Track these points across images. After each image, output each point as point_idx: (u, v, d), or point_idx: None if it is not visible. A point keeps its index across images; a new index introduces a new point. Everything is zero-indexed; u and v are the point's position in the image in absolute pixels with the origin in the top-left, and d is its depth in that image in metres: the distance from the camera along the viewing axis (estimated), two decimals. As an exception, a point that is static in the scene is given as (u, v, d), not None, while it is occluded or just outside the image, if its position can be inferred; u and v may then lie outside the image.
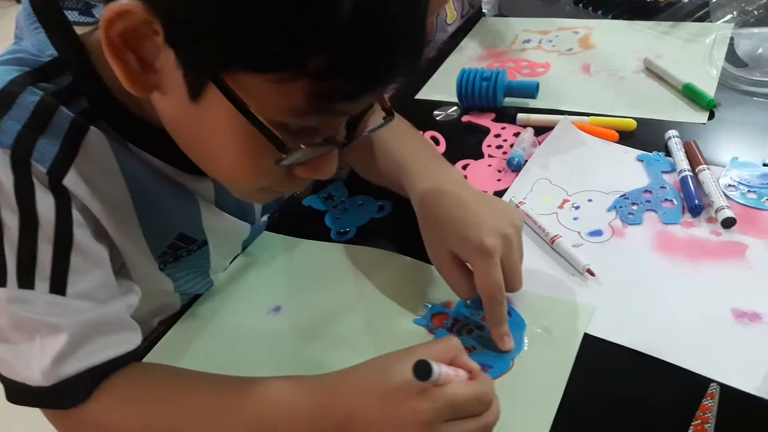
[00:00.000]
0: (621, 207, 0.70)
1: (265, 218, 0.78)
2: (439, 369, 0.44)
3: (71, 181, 0.50)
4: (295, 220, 0.79)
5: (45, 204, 0.49)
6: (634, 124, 0.82)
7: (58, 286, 0.49)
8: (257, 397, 0.51)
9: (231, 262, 0.73)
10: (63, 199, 0.50)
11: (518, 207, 0.71)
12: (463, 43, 1.13)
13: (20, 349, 0.49)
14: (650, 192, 0.71)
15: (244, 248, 0.74)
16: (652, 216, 0.68)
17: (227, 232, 0.69)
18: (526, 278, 0.60)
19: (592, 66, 0.97)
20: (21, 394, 0.50)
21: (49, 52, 0.51)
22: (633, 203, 0.70)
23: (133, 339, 0.55)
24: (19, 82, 0.49)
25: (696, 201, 0.67)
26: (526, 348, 0.57)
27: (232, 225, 0.68)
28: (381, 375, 0.49)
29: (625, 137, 0.81)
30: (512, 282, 0.58)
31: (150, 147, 0.55)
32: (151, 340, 0.66)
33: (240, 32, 0.40)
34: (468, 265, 0.59)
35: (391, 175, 0.71)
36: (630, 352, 0.55)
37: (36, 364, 0.49)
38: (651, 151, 0.77)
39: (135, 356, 0.55)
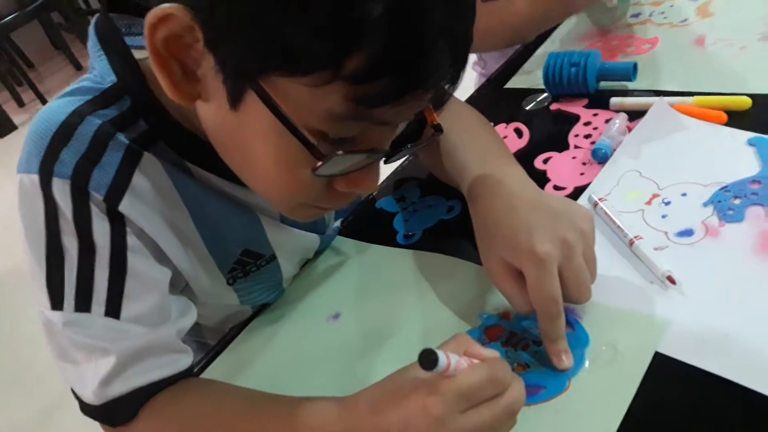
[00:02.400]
0: (720, 201, 0.60)
1: (338, 223, 0.77)
2: (449, 358, 0.42)
3: (126, 206, 0.52)
4: (368, 223, 0.77)
5: (101, 230, 0.51)
6: (748, 102, 0.70)
7: (113, 310, 0.52)
8: (295, 423, 0.50)
9: (302, 267, 0.73)
10: (118, 225, 0.52)
11: (597, 205, 0.64)
12: (563, 23, 1.04)
13: (80, 369, 0.53)
14: (759, 182, 0.60)
15: (317, 255, 0.74)
16: (758, 212, 0.58)
17: (296, 245, 0.69)
18: (597, 287, 0.53)
19: (707, 37, 0.85)
20: (84, 408, 0.54)
21: (110, 78, 0.54)
22: (735, 196, 0.60)
23: (181, 361, 0.56)
24: (80, 112, 0.52)
25: (816, 193, 0.56)
26: (586, 366, 0.51)
27: (300, 238, 0.68)
28: (390, 384, 0.47)
29: (736, 119, 0.69)
30: (575, 293, 0.52)
31: (208, 164, 0.56)
32: (221, 347, 0.68)
33: (274, 33, 0.39)
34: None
35: (451, 174, 0.67)
36: (709, 379, 0.47)
37: (89, 384, 0.52)
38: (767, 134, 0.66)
39: (183, 376, 0.56)
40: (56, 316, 0.51)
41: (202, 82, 0.45)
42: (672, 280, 0.54)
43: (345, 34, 0.38)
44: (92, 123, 0.51)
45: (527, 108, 0.86)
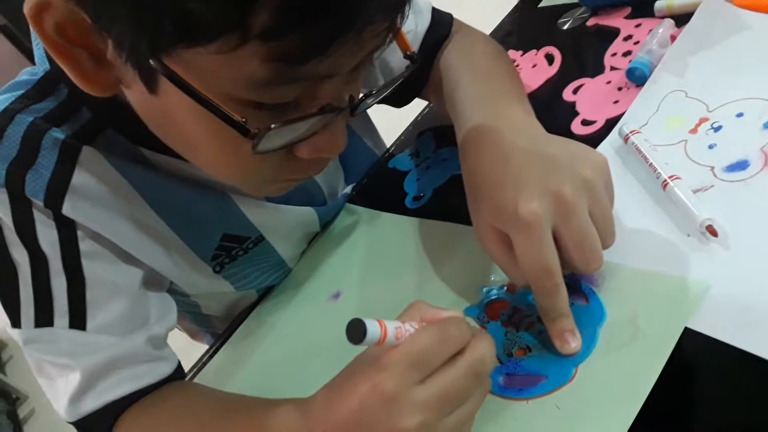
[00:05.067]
0: (787, 120, 0.46)
1: (348, 189, 0.70)
2: (383, 327, 0.35)
3: (70, 209, 0.48)
4: (379, 186, 0.69)
5: (48, 238, 0.48)
6: (835, -20, 0.53)
7: (77, 321, 0.49)
8: (261, 428, 0.44)
9: (310, 243, 0.67)
10: (66, 230, 0.48)
11: (628, 140, 0.52)
12: None
13: (53, 384, 0.50)
14: (841, 88, 0.46)
15: (325, 227, 0.67)
16: (838, 128, 0.44)
17: (288, 222, 0.62)
18: (618, 246, 0.43)
19: None
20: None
21: (44, 66, 0.49)
22: (809, 111, 0.46)
23: (159, 369, 0.52)
24: (9, 111, 0.48)
25: None
26: (596, 349, 0.41)
27: (292, 215, 0.62)
28: (342, 373, 0.40)
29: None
30: (579, 260, 0.41)
31: (161, 146, 0.48)
32: (225, 337, 0.64)
33: (158, 1, 0.32)
34: None
35: (453, 119, 0.57)
36: (757, 365, 0.35)
37: (61, 402, 0.50)
38: None
39: (165, 383, 0.52)
40: (17, 333, 0.49)
41: (113, 66, 0.39)
42: (713, 231, 0.42)
43: None
44: (22, 122, 0.47)
45: (564, 28, 0.73)
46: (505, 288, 0.48)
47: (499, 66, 0.59)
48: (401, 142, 0.73)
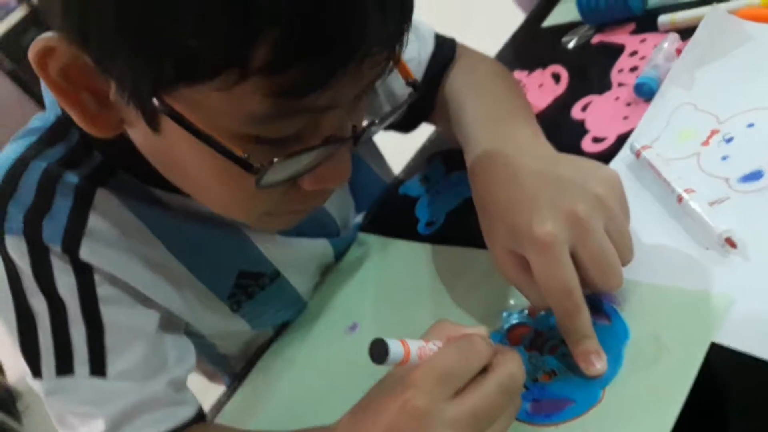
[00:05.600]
0: (799, 127, 0.46)
1: (359, 218, 0.70)
2: (406, 346, 0.36)
3: (87, 253, 0.48)
4: (390, 213, 0.69)
5: (66, 285, 0.48)
6: (837, -14, 0.54)
7: (98, 368, 0.48)
8: None
9: (324, 275, 0.67)
10: (84, 275, 0.48)
11: (639, 155, 0.51)
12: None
13: None
14: None
15: (338, 258, 0.67)
16: None
17: (303, 256, 0.62)
18: (637, 263, 0.42)
19: None
20: None
21: (56, 111, 0.50)
22: (820, 118, 0.45)
23: (179, 413, 0.51)
24: (23, 158, 0.48)
25: None
26: (622, 369, 0.40)
27: (308, 248, 0.62)
28: (366, 397, 0.41)
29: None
30: (600, 279, 0.41)
31: (173, 186, 0.49)
32: (242, 375, 0.63)
33: (157, 40, 0.32)
34: None
35: (463, 145, 0.57)
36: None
37: None
38: None
39: (187, 426, 0.51)
40: (38, 385, 0.48)
41: (116, 107, 0.39)
42: (732, 243, 0.42)
43: (237, 22, 0.30)
44: (37, 168, 0.48)
45: (569, 46, 0.74)
46: (526, 312, 0.48)
47: (504, 87, 0.59)
48: (410, 168, 0.73)
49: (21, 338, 0.48)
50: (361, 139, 0.42)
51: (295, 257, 0.60)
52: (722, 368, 0.37)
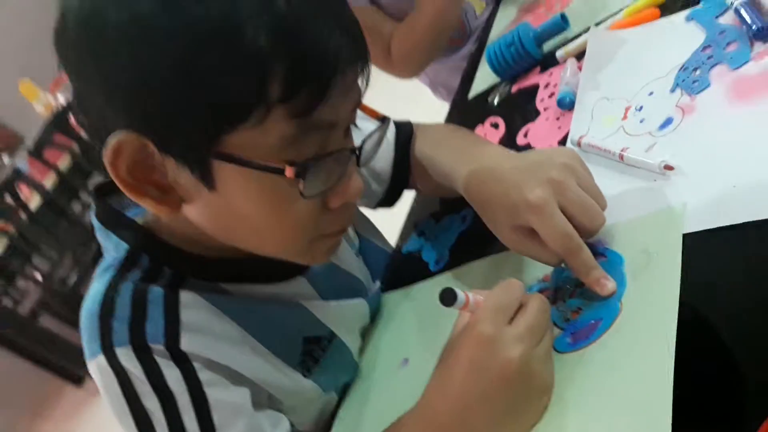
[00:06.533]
0: (683, 81, 0.60)
1: (378, 284, 0.80)
2: (467, 295, 0.48)
3: (187, 343, 0.55)
4: (402, 269, 0.79)
5: (173, 377, 0.54)
6: (671, -12, 0.71)
7: None
8: None
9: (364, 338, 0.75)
10: (186, 365, 0.55)
11: (580, 144, 0.65)
12: (496, 22, 1.09)
13: None
14: (709, 47, 0.61)
15: (372, 319, 0.76)
16: (720, 69, 0.58)
17: (346, 315, 0.71)
18: (609, 210, 0.54)
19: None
20: None
21: (123, 247, 0.60)
22: (695, 69, 0.60)
23: None
24: (113, 285, 0.57)
25: (759, 24, 0.56)
26: (629, 284, 0.51)
27: (347, 307, 0.71)
28: (443, 353, 0.51)
29: (669, 8, 0.71)
30: (586, 221, 0.52)
31: (234, 277, 0.60)
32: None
33: (203, 105, 0.45)
34: None
35: (441, 181, 0.70)
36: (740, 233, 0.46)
37: None
38: (698, 2, 0.66)
39: None
40: None
41: (176, 188, 0.51)
42: (669, 167, 0.54)
43: (252, 70, 0.44)
44: (126, 289, 0.56)
45: (495, 103, 0.90)
46: (542, 278, 0.58)
47: (461, 132, 0.74)
48: (404, 233, 0.84)
49: None
50: (361, 157, 0.54)
51: (342, 317, 0.69)
52: (698, 253, 0.48)
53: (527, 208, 0.52)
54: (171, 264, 0.58)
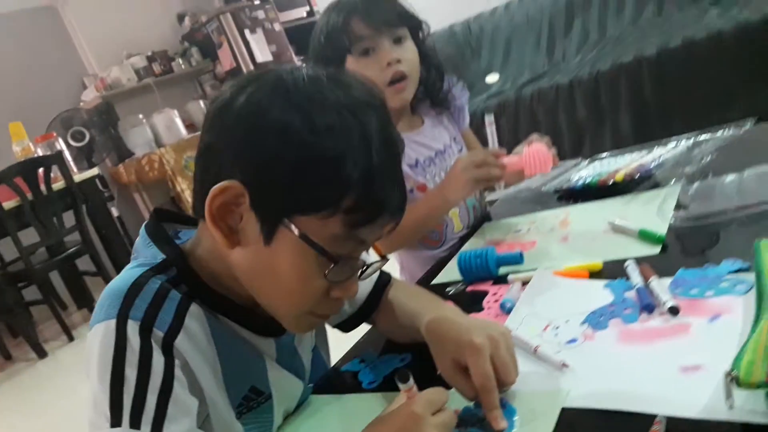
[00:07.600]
0: (591, 319, 0.85)
1: (310, 385, 0.95)
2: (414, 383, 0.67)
3: (180, 342, 0.70)
4: (336, 383, 0.95)
5: (158, 361, 0.68)
6: (600, 265, 1.00)
7: (156, 429, 0.65)
8: None
9: (284, 419, 0.89)
10: (170, 358, 0.69)
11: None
12: (470, 241, 1.36)
13: None
14: (613, 306, 0.87)
15: (297, 407, 0.90)
16: (616, 321, 0.83)
17: (286, 386, 0.86)
18: (517, 381, 0.74)
19: (569, 237, 1.18)
20: None
21: (160, 257, 0.76)
22: (601, 315, 0.86)
23: None
24: (146, 276, 0.73)
25: (648, 301, 0.83)
26: (516, 427, 0.70)
27: (290, 380, 0.86)
28: (377, 419, 0.69)
29: (594, 275, 0.98)
30: (503, 375, 0.72)
31: (232, 316, 0.77)
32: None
33: (299, 193, 0.67)
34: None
35: (408, 324, 0.90)
36: (597, 414, 0.67)
37: None
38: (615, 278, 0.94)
39: None
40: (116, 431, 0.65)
41: (239, 234, 0.71)
42: (566, 365, 0.76)
43: (340, 188, 0.67)
44: (155, 282, 0.73)
45: (450, 293, 1.13)
46: (454, 410, 0.76)
47: (429, 293, 0.97)
48: (346, 357, 1.01)
49: (111, 396, 0.66)
50: (363, 274, 0.76)
51: (283, 385, 0.84)
52: (570, 419, 0.68)
53: (470, 347, 0.73)
54: (188, 284, 0.75)
